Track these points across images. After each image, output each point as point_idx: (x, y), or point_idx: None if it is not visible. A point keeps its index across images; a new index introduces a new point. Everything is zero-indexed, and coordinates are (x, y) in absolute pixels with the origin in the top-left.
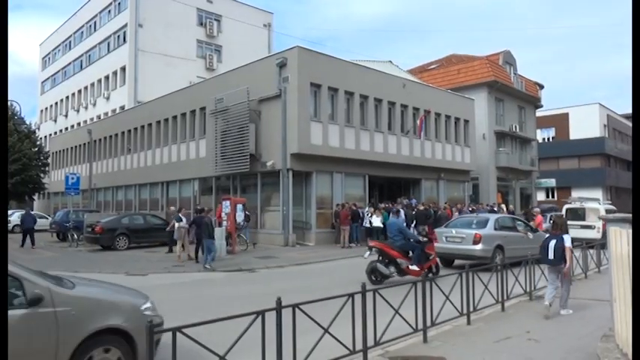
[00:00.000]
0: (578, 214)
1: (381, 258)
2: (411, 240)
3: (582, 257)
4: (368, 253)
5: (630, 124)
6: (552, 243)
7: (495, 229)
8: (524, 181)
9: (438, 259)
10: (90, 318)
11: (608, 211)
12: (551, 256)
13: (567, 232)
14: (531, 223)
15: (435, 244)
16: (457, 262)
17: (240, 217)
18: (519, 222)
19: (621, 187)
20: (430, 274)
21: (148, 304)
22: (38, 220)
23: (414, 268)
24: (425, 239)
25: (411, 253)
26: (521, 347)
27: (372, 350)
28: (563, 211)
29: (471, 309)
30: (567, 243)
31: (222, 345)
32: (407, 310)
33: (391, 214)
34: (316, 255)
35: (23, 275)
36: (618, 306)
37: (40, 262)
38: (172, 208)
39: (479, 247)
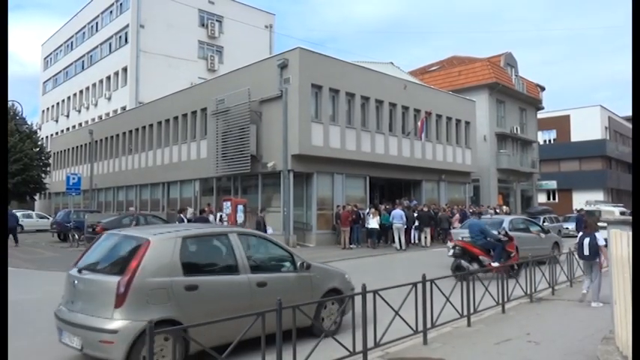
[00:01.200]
0: (594, 216)
1: (458, 255)
2: (491, 239)
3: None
4: (452, 251)
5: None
6: (586, 241)
7: (510, 230)
8: (525, 183)
9: (518, 257)
10: (325, 281)
11: (621, 213)
12: (586, 252)
13: (597, 231)
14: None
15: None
16: None
17: (240, 217)
18: (532, 223)
19: (622, 190)
20: (512, 271)
21: (347, 275)
22: (39, 220)
23: (495, 264)
24: (505, 238)
25: (492, 251)
26: (522, 349)
27: (372, 351)
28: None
29: (472, 311)
30: (601, 242)
31: (222, 346)
32: (407, 311)
33: (472, 217)
34: (316, 256)
35: (292, 252)
36: (618, 308)
37: (40, 262)
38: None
39: None
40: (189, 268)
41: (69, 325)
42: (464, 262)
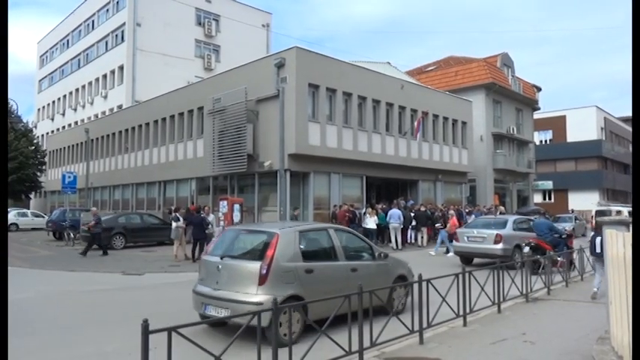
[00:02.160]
0: (605, 215)
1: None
2: (557, 236)
3: (579, 259)
4: (451, 254)
5: (627, 127)
6: (598, 239)
7: (514, 229)
8: (522, 183)
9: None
10: (396, 268)
11: (629, 213)
12: (598, 250)
13: None
14: (448, 226)
15: (457, 244)
16: (476, 260)
17: (237, 216)
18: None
19: (618, 190)
20: (572, 266)
21: (409, 264)
22: (35, 218)
23: (560, 259)
24: (565, 235)
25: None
26: (517, 349)
27: (368, 351)
28: (593, 213)
29: (468, 310)
30: None
31: (218, 345)
32: (403, 311)
33: (538, 216)
34: None
35: (371, 244)
36: (614, 308)
37: (35, 261)
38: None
39: (499, 246)
40: (306, 256)
41: (215, 300)
42: (538, 256)
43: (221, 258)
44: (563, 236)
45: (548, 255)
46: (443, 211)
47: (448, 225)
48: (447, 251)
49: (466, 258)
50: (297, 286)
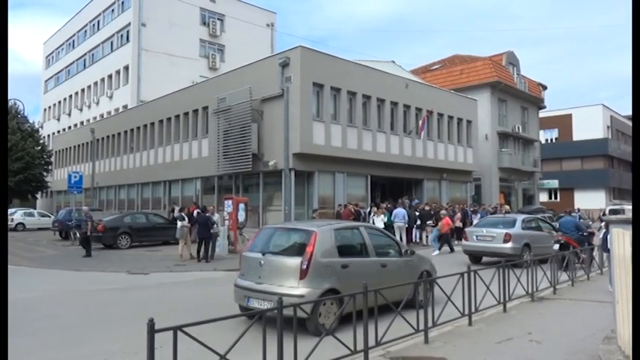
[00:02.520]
0: (618, 214)
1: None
2: (582, 233)
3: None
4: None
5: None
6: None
7: (523, 228)
8: (527, 182)
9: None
10: (421, 265)
11: None
12: (609, 246)
13: None
14: (440, 224)
15: (466, 242)
16: (485, 259)
17: (242, 216)
18: (543, 222)
19: (624, 189)
20: (592, 262)
21: (432, 262)
22: (41, 218)
23: (583, 255)
24: (587, 233)
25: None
26: (523, 348)
27: (373, 350)
28: (607, 211)
29: (473, 310)
30: None
31: (223, 344)
32: (408, 310)
33: (564, 214)
34: None
35: (398, 241)
36: (620, 307)
37: (42, 260)
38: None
39: (509, 245)
40: (341, 252)
41: (258, 293)
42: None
43: (262, 254)
44: (585, 234)
45: (572, 250)
46: (448, 210)
47: (440, 224)
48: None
49: (475, 257)
50: (335, 280)
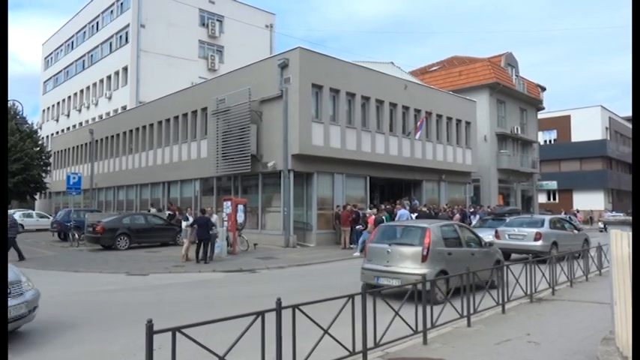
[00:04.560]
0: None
1: None
2: None
3: (584, 259)
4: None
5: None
6: None
7: (551, 228)
8: (526, 184)
9: None
10: (495, 254)
11: None
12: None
13: None
14: (370, 226)
15: (498, 241)
16: (513, 255)
17: (240, 217)
18: (566, 222)
19: (623, 190)
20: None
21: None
22: (40, 219)
23: None
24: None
25: None
26: (522, 349)
27: (371, 352)
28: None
29: (472, 311)
30: None
31: (222, 345)
32: (407, 311)
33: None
34: (317, 256)
35: (479, 236)
36: (619, 309)
37: (40, 261)
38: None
39: (539, 243)
40: (446, 243)
41: (387, 273)
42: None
43: (389, 245)
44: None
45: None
46: (447, 211)
47: (370, 226)
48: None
49: (505, 254)
50: (444, 264)
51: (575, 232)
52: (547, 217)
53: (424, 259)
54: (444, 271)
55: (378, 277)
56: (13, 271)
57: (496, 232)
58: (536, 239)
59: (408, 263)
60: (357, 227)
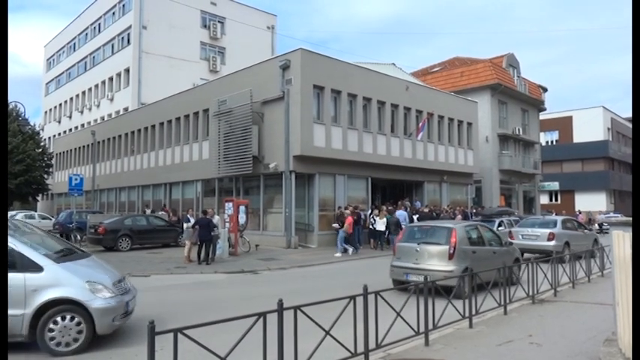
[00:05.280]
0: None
1: None
2: None
3: (586, 261)
4: (339, 254)
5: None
6: None
7: (563, 228)
8: (528, 184)
9: None
10: (514, 253)
11: None
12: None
13: None
14: (345, 225)
15: (513, 240)
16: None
17: (242, 218)
18: (576, 222)
19: (625, 191)
20: None
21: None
22: (42, 220)
23: None
24: None
25: None
26: (524, 351)
27: (373, 353)
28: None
29: (473, 312)
30: None
31: (223, 346)
32: (409, 312)
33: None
34: (318, 257)
35: (499, 235)
36: (621, 310)
37: None
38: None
39: (552, 243)
40: (470, 242)
41: (416, 270)
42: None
43: (418, 244)
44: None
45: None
46: (449, 212)
47: (345, 225)
48: (345, 250)
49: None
50: (469, 261)
51: (586, 232)
52: (559, 218)
53: (451, 256)
54: (469, 268)
55: (408, 273)
56: (111, 270)
57: (510, 232)
58: (549, 239)
59: (436, 261)
60: (334, 226)
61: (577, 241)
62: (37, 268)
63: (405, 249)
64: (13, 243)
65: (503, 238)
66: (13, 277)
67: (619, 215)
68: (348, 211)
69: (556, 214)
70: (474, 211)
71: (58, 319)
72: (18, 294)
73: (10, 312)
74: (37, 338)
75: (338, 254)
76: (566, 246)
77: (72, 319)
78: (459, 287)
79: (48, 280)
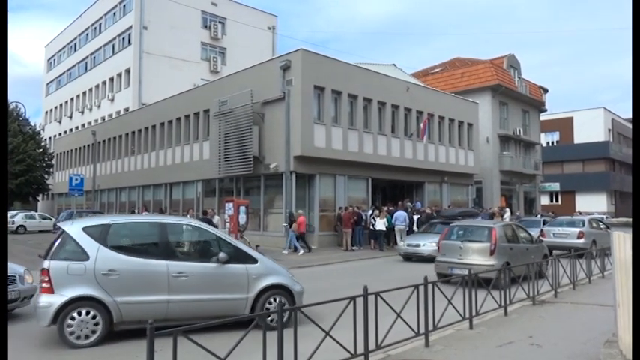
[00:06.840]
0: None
1: None
2: None
3: (586, 262)
4: (302, 251)
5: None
6: None
7: (590, 227)
8: (528, 185)
9: None
10: (543, 249)
11: None
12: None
13: None
14: (294, 225)
15: (544, 238)
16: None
17: (242, 219)
18: (601, 222)
19: (625, 192)
20: None
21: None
22: (42, 221)
23: None
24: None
25: None
26: (524, 352)
27: (373, 354)
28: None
29: (474, 313)
30: None
31: (223, 347)
32: (409, 313)
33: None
34: (318, 258)
35: (530, 233)
36: (621, 311)
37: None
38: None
39: (581, 240)
40: (507, 239)
41: (460, 264)
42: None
43: (461, 241)
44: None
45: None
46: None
47: (294, 225)
48: (296, 249)
49: (549, 249)
50: (507, 257)
51: (608, 231)
52: (586, 218)
53: (492, 252)
54: (507, 262)
55: (453, 267)
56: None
57: (541, 231)
58: (579, 237)
59: (478, 256)
60: (284, 225)
61: (602, 239)
62: (254, 260)
63: (449, 246)
64: (233, 242)
65: (533, 237)
66: (237, 267)
67: (605, 217)
68: (300, 211)
69: (555, 216)
70: (429, 211)
71: (271, 299)
72: (242, 281)
73: (236, 295)
74: (257, 318)
75: (285, 252)
76: (594, 243)
77: (280, 300)
78: (497, 279)
79: (263, 269)
